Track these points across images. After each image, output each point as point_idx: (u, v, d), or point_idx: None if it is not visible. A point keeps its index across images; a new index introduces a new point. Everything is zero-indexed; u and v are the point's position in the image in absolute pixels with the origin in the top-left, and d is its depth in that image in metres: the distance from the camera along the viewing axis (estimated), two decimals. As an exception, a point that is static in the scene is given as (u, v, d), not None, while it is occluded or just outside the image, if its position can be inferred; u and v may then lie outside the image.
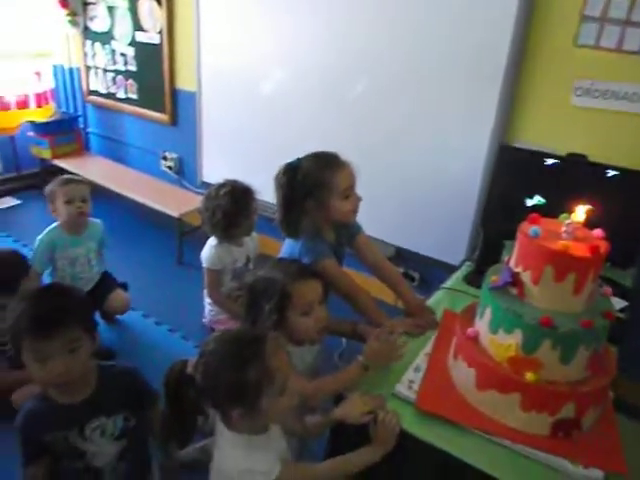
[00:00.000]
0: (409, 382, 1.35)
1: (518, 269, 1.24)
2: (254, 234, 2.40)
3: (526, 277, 1.21)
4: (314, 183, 1.66)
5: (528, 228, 1.22)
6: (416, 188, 2.63)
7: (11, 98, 3.97)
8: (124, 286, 2.75)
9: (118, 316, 2.74)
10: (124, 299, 2.69)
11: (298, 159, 1.70)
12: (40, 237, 2.47)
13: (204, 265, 2.25)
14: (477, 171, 2.40)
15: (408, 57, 2.47)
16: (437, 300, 1.79)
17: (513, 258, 1.27)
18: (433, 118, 2.49)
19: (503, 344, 1.21)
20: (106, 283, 2.68)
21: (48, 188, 2.47)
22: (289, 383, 1.14)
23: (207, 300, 2.34)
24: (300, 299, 1.37)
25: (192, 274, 3.21)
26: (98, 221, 2.65)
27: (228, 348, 1.13)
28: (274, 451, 1.19)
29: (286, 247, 1.78)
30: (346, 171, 1.67)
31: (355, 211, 1.72)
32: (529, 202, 1.73)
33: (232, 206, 2.12)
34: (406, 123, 2.58)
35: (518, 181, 2.04)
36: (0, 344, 2.05)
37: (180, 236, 3.37)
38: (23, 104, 4.05)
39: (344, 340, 2.45)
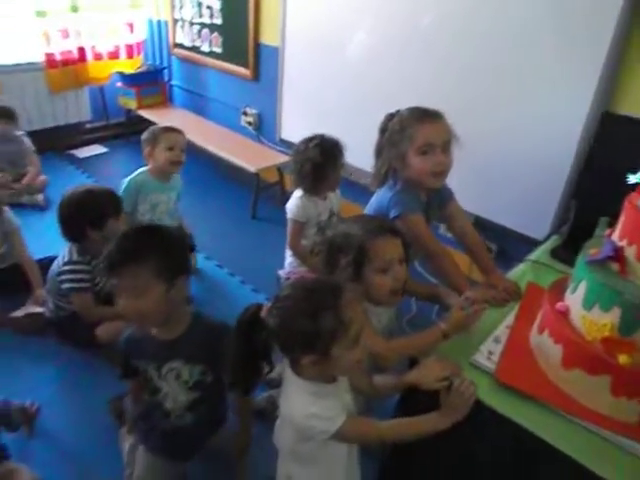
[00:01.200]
0: (488, 353, 1.30)
1: (622, 243, 1.14)
2: (337, 190, 2.38)
3: (631, 252, 1.11)
4: (397, 130, 1.61)
5: (638, 199, 1.12)
6: (501, 154, 2.48)
7: (103, 49, 4.13)
8: (192, 248, 2.80)
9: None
10: None
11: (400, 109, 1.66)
12: (129, 178, 2.55)
13: (289, 216, 2.26)
14: (573, 140, 2.22)
15: (502, 9, 2.29)
16: (521, 272, 1.70)
17: (617, 231, 1.17)
18: (525, 78, 2.31)
19: (597, 322, 1.13)
20: None
21: (148, 132, 2.53)
22: (362, 337, 1.12)
23: (288, 252, 2.35)
24: (377, 255, 1.31)
25: (265, 229, 3.27)
26: (178, 175, 2.71)
27: (305, 295, 1.12)
28: (340, 402, 1.19)
29: (376, 198, 1.74)
30: (430, 127, 1.59)
31: (432, 173, 1.61)
32: (632, 178, 1.58)
33: (321, 158, 2.11)
34: (494, 83, 2.42)
35: (621, 153, 1.86)
36: (87, 280, 2.17)
37: (256, 191, 3.41)
38: (114, 55, 4.20)
39: (414, 306, 2.41)
